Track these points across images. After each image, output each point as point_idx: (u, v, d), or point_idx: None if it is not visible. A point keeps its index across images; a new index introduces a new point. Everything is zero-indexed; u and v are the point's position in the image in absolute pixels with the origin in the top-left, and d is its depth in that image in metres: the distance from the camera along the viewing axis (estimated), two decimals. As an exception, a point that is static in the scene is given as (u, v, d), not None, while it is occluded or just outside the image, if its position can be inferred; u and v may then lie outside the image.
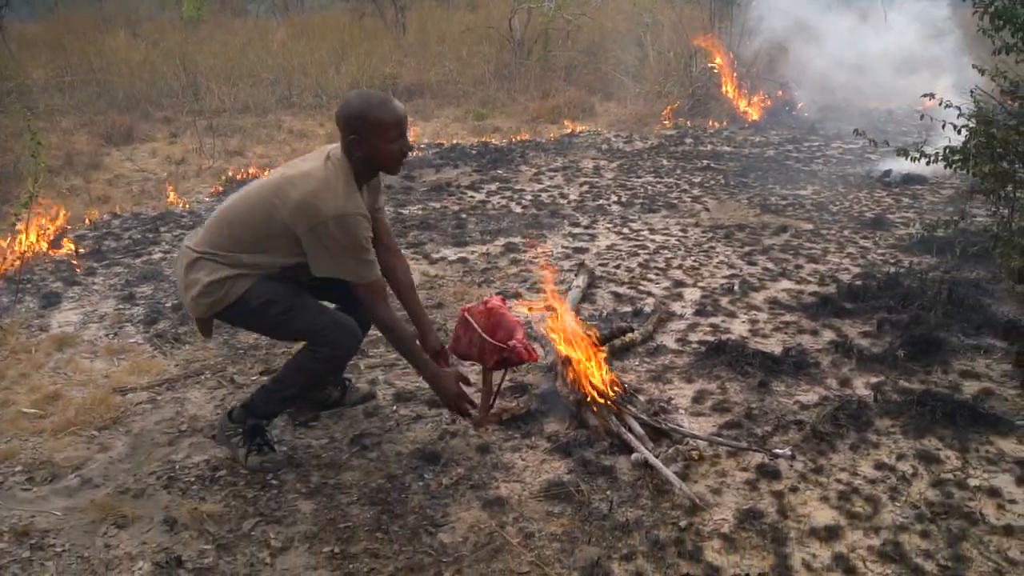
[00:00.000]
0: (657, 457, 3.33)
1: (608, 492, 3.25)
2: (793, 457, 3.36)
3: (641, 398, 3.87)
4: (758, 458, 3.43)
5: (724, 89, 11.34)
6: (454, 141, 10.17)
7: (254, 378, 4.28)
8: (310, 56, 13.28)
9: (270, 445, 3.57)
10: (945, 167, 4.88)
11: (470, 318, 3.65)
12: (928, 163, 4.89)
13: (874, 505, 3.16)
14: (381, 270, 3.42)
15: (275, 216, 3.23)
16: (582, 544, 2.97)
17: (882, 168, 8.10)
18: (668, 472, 3.24)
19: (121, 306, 5.28)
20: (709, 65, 11.53)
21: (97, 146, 9.80)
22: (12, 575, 2.88)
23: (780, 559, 2.87)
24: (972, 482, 3.28)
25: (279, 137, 10.49)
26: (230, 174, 8.51)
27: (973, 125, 4.78)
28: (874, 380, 4.08)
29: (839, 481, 3.31)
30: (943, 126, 4.90)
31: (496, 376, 3.69)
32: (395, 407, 3.99)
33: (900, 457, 3.46)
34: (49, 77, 12.57)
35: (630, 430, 3.54)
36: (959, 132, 4.85)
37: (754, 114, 11.18)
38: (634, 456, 3.39)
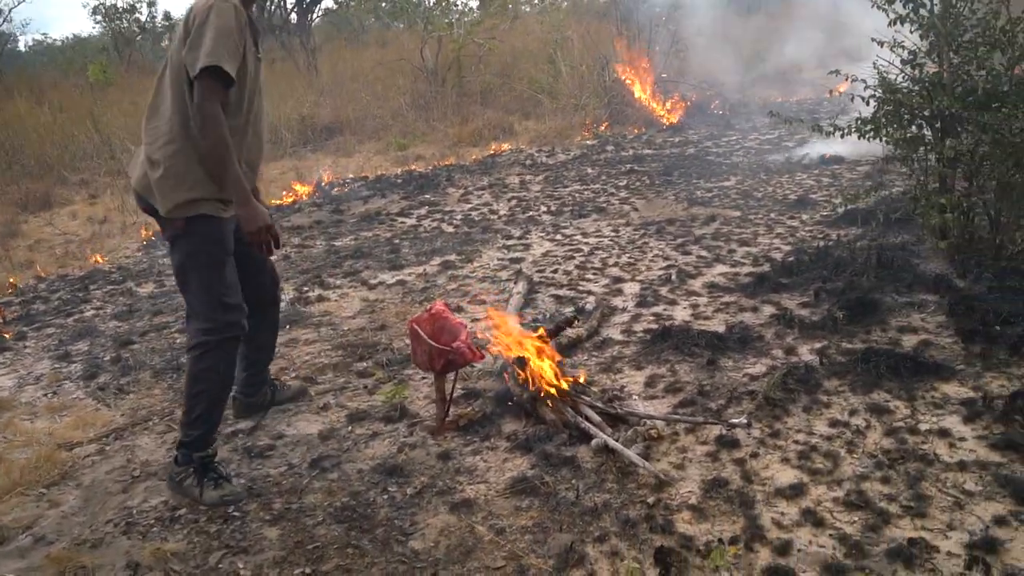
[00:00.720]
0: (616, 441, 3.35)
1: (573, 481, 3.25)
2: (749, 425, 3.40)
3: (594, 389, 3.88)
4: (716, 431, 3.47)
5: (637, 95, 11.54)
6: (378, 172, 10.16)
7: (203, 418, 4.19)
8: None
9: (225, 477, 3.48)
10: (859, 138, 5.02)
11: (417, 327, 3.64)
12: (842, 135, 5.03)
13: (833, 460, 3.21)
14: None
15: (180, 76, 3.14)
16: (554, 532, 2.96)
17: (799, 153, 8.32)
18: (629, 453, 3.25)
19: (57, 365, 5.13)
20: (621, 77, 11.74)
21: (13, 215, 9.58)
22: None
23: (750, 521, 2.90)
24: (923, 427, 3.37)
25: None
26: (157, 230, 8.38)
27: (880, 95, 4.93)
28: (818, 345, 4.17)
29: (797, 442, 3.36)
30: (851, 99, 5.05)
31: (449, 384, 3.68)
32: (350, 427, 3.94)
33: (852, 412, 3.53)
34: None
35: (587, 419, 3.55)
36: (867, 103, 5.00)
37: (671, 117, 11.40)
38: (594, 442, 3.40)
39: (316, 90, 14.04)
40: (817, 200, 6.90)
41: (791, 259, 5.32)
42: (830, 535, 2.80)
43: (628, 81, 11.62)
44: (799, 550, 2.74)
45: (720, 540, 2.80)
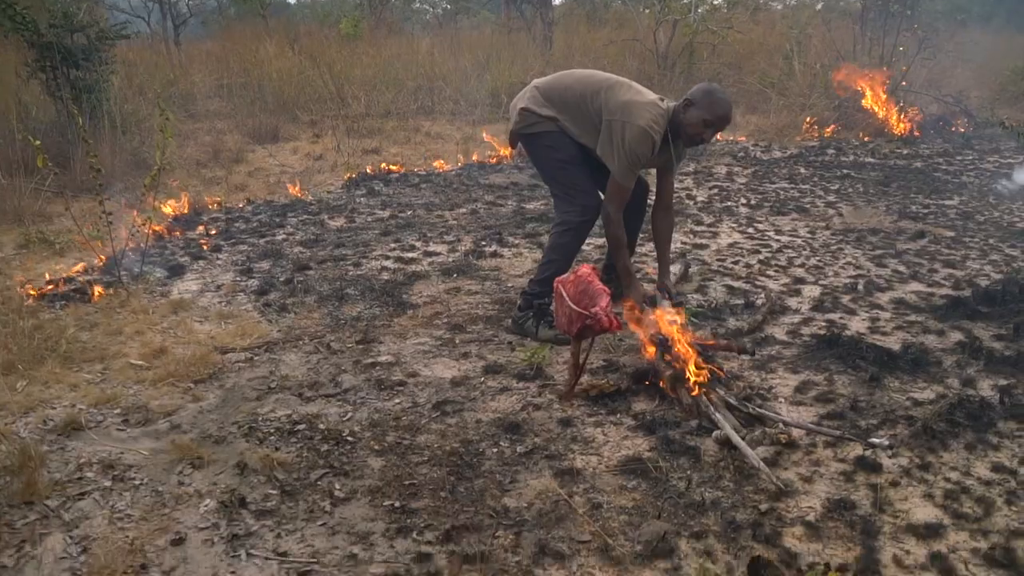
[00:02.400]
0: (743, 439, 3.09)
1: (688, 472, 3.04)
2: (891, 448, 3.04)
3: (736, 383, 3.62)
4: (858, 450, 3.14)
5: (867, 103, 10.78)
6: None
7: (350, 345, 4.27)
8: (454, 66, 13.48)
9: (550, 323, 4.21)
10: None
11: (561, 288, 3.52)
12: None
13: (986, 507, 2.82)
14: (653, 220, 4.55)
15: (597, 102, 4.11)
16: (651, 519, 2.76)
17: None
18: (749, 451, 3.00)
19: (238, 278, 5.39)
20: (856, 80, 11.01)
21: (244, 144, 10.20)
22: (93, 500, 2.93)
23: (868, 552, 2.59)
24: (1105, 493, 2.90)
25: (416, 139, 10.66)
26: (365, 170, 8.68)
27: None
28: (1003, 383, 3.69)
29: (948, 480, 2.98)
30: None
31: (584, 350, 3.54)
32: (483, 379, 3.89)
33: (1023, 462, 3.10)
34: (211, 86, 13.23)
35: (719, 411, 3.30)
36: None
37: (903, 128, 10.59)
38: (715, 434, 3.16)
39: (545, 61, 14.07)
40: (1051, 234, 6.17)
41: (998, 287, 4.75)
42: (958, 587, 2.45)
43: (861, 87, 10.87)
44: (917, 594, 2.42)
45: (827, 565, 2.52)
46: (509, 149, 9.45)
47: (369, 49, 15.62)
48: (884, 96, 10.80)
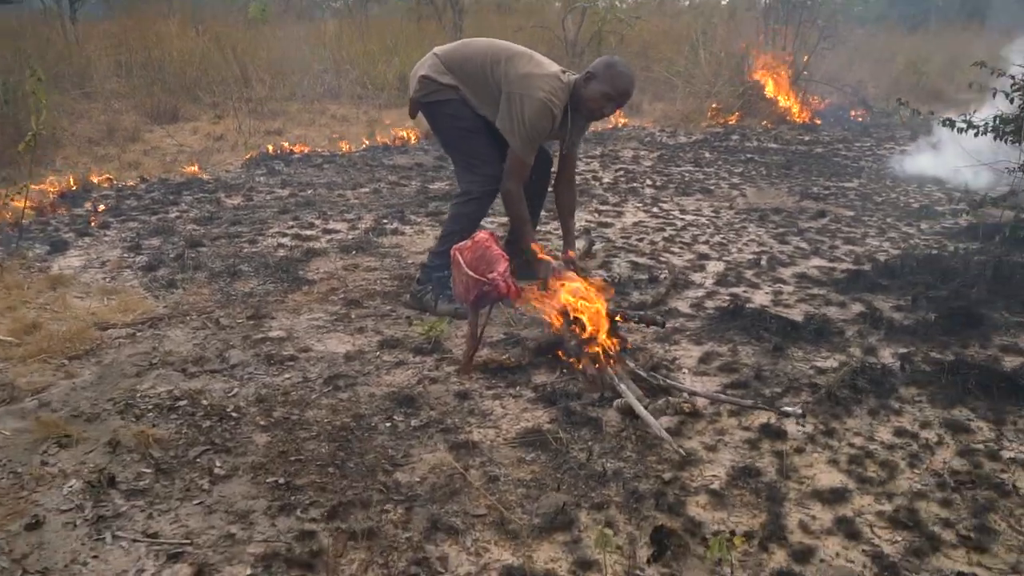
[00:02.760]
0: (646, 408, 2.95)
1: (590, 443, 2.89)
2: (803, 416, 2.94)
3: (640, 354, 3.50)
4: (762, 418, 3.04)
5: (770, 91, 10.88)
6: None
7: (240, 321, 4.01)
8: (362, 49, 13.14)
9: (450, 298, 4.06)
10: (995, 139, 4.43)
11: (458, 255, 3.33)
12: (976, 134, 4.45)
13: (890, 471, 2.75)
14: (556, 194, 4.41)
15: (497, 73, 3.96)
16: (550, 491, 2.60)
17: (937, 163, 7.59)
18: (651, 419, 2.87)
19: (126, 255, 5.06)
20: (759, 70, 11.11)
21: (141, 123, 9.72)
22: (-57, 487, 2.63)
23: (773, 518, 2.47)
24: (1007, 454, 2.85)
25: (320, 121, 10.33)
26: (267, 150, 8.34)
27: (1027, 90, 4.33)
28: (903, 350, 3.65)
29: (852, 445, 2.90)
30: (993, 94, 4.46)
31: (483, 319, 3.36)
32: (378, 353, 3.68)
33: (925, 425, 3.04)
34: (109, 65, 12.58)
35: (623, 382, 3.16)
36: (1011, 100, 4.41)
37: (804, 116, 10.72)
38: (617, 402, 3.03)
39: (453, 46, 13.79)
40: (942, 212, 6.24)
41: (896, 261, 4.74)
42: (864, 551, 2.35)
43: (763, 76, 10.96)
44: (822, 560, 2.31)
45: (732, 532, 2.39)
46: (414, 131, 9.23)
47: (276, 32, 15.14)
48: (787, 85, 10.91)
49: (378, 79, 12.13)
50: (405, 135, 9.29)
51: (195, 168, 7.49)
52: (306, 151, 8.50)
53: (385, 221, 5.86)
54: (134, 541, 2.38)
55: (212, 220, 5.86)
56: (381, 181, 7.27)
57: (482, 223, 4.42)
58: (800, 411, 2.87)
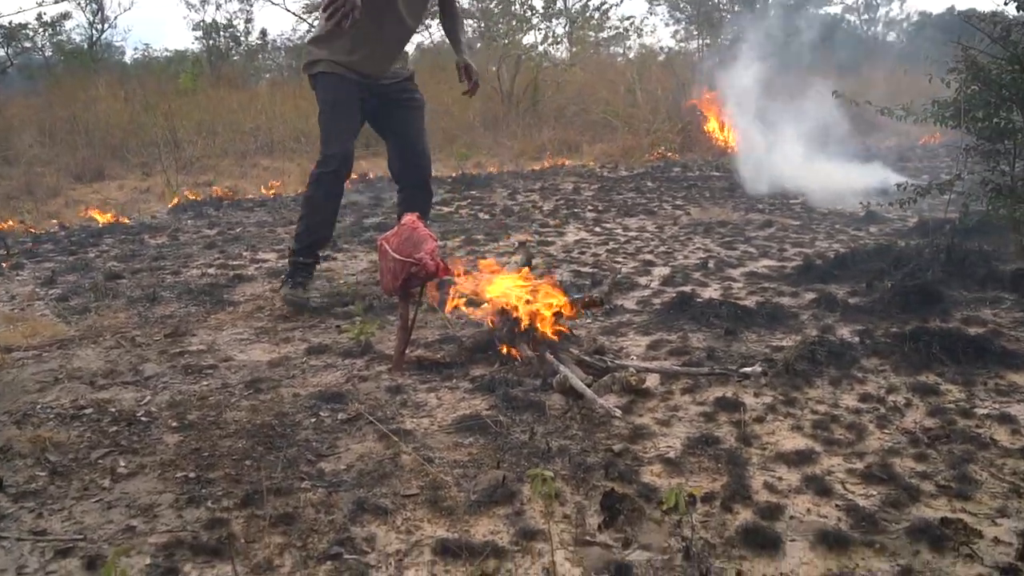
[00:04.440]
0: (589, 387, 2.76)
1: (532, 425, 2.67)
2: (765, 374, 2.76)
3: (585, 342, 3.31)
4: (716, 393, 2.85)
5: (709, 127, 10.96)
6: (435, 173, 9.78)
7: (157, 339, 3.75)
8: (293, 106, 13.03)
9: (303, 285, 4.11)
10: (935, 124, 4.38)
11: (384, 244, 3.13)
12: (916, 121, 4.40)
13: (858, 433, 2.56)
14: (441, 23, 4.51)
15: None
16: (489, 469, 2.37)
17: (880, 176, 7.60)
18: (587, 390, 2.68)
19: (39, 290, 4.77)
20: (696, 107, 11.19)
21: (65, 182, 9.44)
22: None
23: (736, 480, 2.27)
24: (980, 411, 2.69)
25: (252, 173, 10.14)
26: (196, 199, 8.10)
27: (963, 73, 4.29)
28: (860, 328, 3.51)
29: (815, 412, 2.72)
30: (929, 79, 4.43)
31: (413, 310, 3.15)
32: (305, 359, 3.43)
33: (891, 391, 2.88)
34: (32, 133, 12.24)
35: (567, 366, 2.96)
36: (947, 85, 4.37)
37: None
38: (556, 378, 2.82)
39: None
40: (890, 217, 6.19)
41: (848, 254, 4.64)
42: (836, 505, 2.15)
43: (701, 112, 11.04)
44: (792, 517, 2.10)
45: (691, 495, 2.18)
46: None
47: (209, 103, 14.94)
48: (724, 120, 10.99)
49: (312, 133, 11.98)
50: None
51: (121, 218, 7.22)
52: (235, 198, 8.29)
53: (317, 250, 5.64)
54: (18, 540, 2.10)
55: (134, 257, 5.61)
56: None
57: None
58: (760, 369, 2.69)
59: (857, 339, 3.36)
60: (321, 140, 4.16)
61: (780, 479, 2.29)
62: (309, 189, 4.19)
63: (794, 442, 2.51)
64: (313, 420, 2.78)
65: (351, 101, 4.11)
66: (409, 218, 3.12)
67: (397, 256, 2.99)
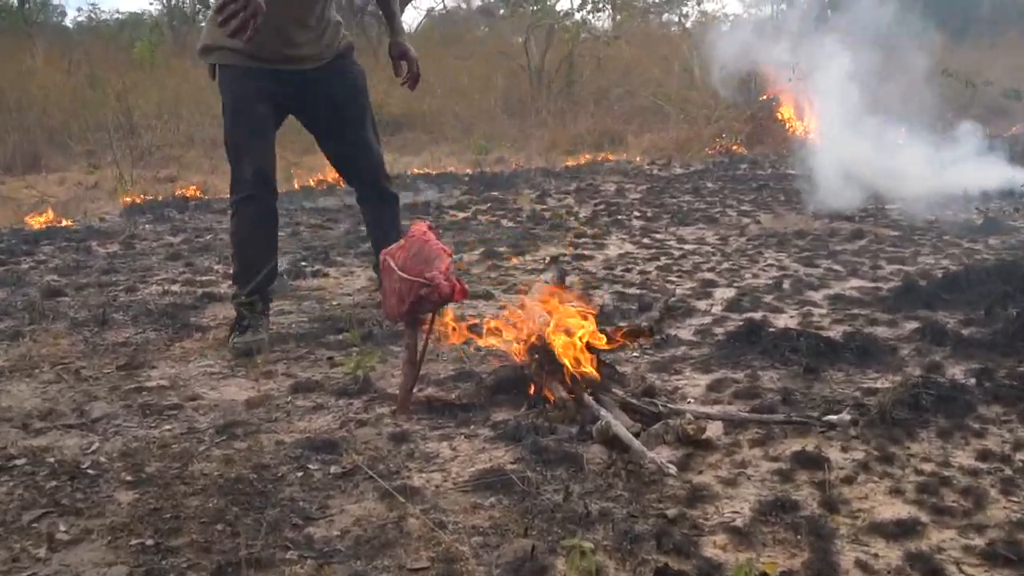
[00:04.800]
0: (636, 436, 2.78)
1: (567, 483, 2.69)
2: (855, 424, 2.77)
3: (631, 381, 3.34)
4: (792, 447, 2.87)
5: (784, 113, 10.99)
6: (448, 169, 9.98)
7: (107, 372, 3.82)
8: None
9: (247, 327, 3.98)
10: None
11: (388, 259, 3.18)
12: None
13: (976, 499, 2.56)
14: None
15: None
16: (515, 537, 2.39)
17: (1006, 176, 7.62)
18: (633, 440, 2.72)
19: (-39, 311, 4.86)
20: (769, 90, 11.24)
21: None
22: None
23: (819, 555, 2.27)
24: None
25: (224, 167, 10.25)
26: (156, 198, 8.24)
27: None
28: (977, 367, 3.52)
29: (920, 472, 2.73)
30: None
31: (423, 339, 3.19)
32: (289, 398, 3.49)
33: (1018, 447, 2.89)
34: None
35: (611, 411, 2.99)
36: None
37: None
38: (597, 425, 2.84)
39: (390, 78, 13.92)
40: (1016, 226, 6.22)
41: (961, 273, 4.65)
42: (950, 591, 2.16)
43: (774, 96, 11.08)
44: (892, 604, 2.11)
45: (763, 574, 2.18)
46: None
47: (170, 77, 15.16)
48: (803, 105, 11.02)
49: (295, 123, 12.13)
50: (329, 179, 9.30)
51: (61, 218, 7.35)
52: (204, 197, 8.42)
53: (304, 264, 5.80)
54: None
55: (79, 269, 5.72)
56: (301, 224, 7.30)
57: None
58: (849, 417, 2.70)
59: (973, 380, 3.38)
60: (228, 158, 4.08)
61: (876, 556, 2.30)
62: (231, 224, 4.14)
63: (893, 509, 2.52)
64: (300, 474, 2.82)
65: (259, 101, 3.97)
66: (419, 226, 3.16)
67: (404, 275, 3.03)
